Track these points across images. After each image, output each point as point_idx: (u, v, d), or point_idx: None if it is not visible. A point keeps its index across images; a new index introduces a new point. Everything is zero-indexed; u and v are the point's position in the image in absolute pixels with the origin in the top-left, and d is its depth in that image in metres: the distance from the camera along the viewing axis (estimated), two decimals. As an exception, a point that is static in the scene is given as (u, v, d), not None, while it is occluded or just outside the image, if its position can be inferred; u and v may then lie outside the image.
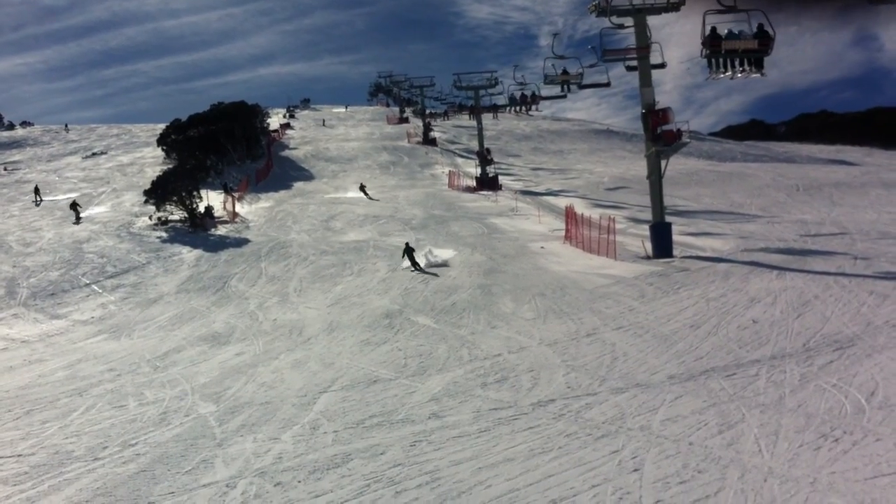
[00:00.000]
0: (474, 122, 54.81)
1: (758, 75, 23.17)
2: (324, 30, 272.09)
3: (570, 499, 8.42)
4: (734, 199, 37.28)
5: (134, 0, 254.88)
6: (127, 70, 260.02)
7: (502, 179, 47.67)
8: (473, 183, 47.06)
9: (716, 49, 22.55)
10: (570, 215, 29.20)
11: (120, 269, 28.75)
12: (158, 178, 40.14)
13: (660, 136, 23.83)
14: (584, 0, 25.45)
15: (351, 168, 56.13)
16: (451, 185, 47.85)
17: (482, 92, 51.90)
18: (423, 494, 8.94)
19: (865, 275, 17.96)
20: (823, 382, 11.21)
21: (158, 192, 36.60)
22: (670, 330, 15.27)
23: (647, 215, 26.17)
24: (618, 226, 25.88)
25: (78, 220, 36.91)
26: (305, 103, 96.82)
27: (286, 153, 61.56)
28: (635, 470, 8.94)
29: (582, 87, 35.14)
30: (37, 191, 44.13)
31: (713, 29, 22.35)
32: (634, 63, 24.56)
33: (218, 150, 52.64)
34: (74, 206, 38.36)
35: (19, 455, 11.82)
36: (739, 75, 23.10)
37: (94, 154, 61.80)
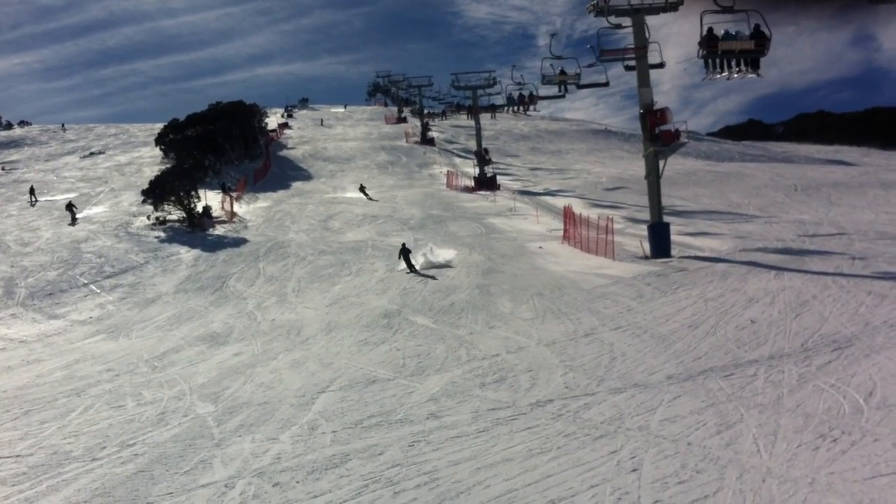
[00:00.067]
0: (472, 122, 54.83)
1: (754, 76, 23.21)
2: (322, 29, 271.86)
3: (568, 499, 8.42)
4: (732, 200, 37.31)
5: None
6: (125, 69, 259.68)
7: (500, 179, 47.68)
8: (471, 183, 47.07)
9: (712, 49, 22.59)
10: (568, 215, 29.22)
11: (118, 269, 28.73)
12: (156, 177, 40.11)
13: (658, 136, 23.85)
14: (582, 0, 25.49)
15: (349, 168, 56.13)
16: (449, 185, 47.86)
17: (480, 92, 51.97)
18: (421, 495, 8.94)
19: (863, 275, 17.98)
20: (822, 382, 11.22)
21: (156, 192, 36.59)
22: (668, 330, 15.28)
23: (646, 215, 26.19)
24: (616, 226, 25.90)
25: (74, 221, 36.83)
26: (304, 103, 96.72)
27: (284, 153, 61.53)
28: (634, 470, 8.94)
29: (580, 86, 35.20)
30: (32, 191, 44.06)
31: (710, 29, 22.38)
32: (633, 63, 24.58)
33: (216, 149, 52.60)
34: (70, 207, 38.24)
35: (17, 455, 11.80)
36: (736, 76, 23.12)
37: (91, 154, 61.67)
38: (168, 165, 48.61)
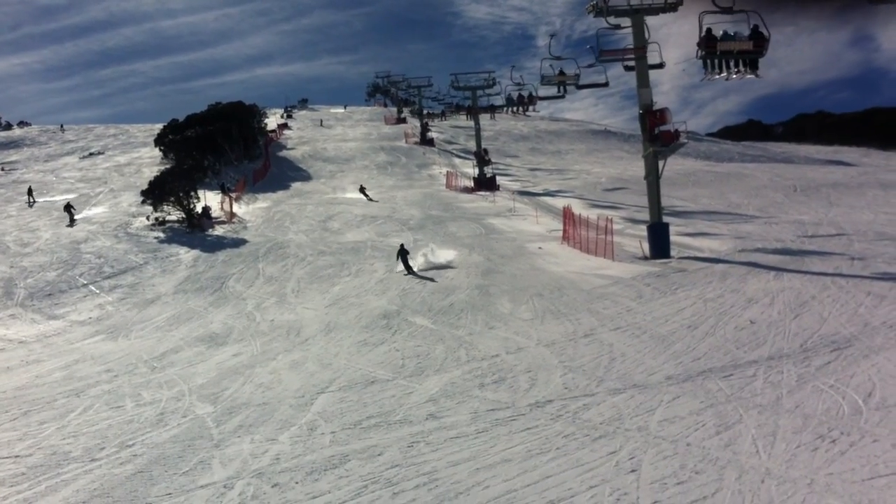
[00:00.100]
0: (472, 123, 54.84)
1: (753, 76, 23.22)
2: (322, 30, 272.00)
3: (567, 499, 8.42)
4: (731, 200, 37.31)
5: (131, 0, 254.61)
6: (124, 70, 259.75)
7: (500, 180, 47.68)
8: (471, 183, 47.07)
9: (711, 50, 22.59)
10: (567, 216, 29.22)
11: (117, 270, 28.73)
12: (156, 178, 40.10)
13: (657, 136, 23.85)
14: (581, 0, 25.49)
15: (349, 168, 56.14)
16: (448, 186, 47.85)
17: (480, 92, 52.00)
18: (420, 495, 8.94)
19: (863, 275, 17.99)
20: (821, 383, 11.22)
21: (156, 193, 36.58)
22: (668, 331, 15.28)
23: (645, 216, 26.19)
24: (615, 226, 25.89)
25: (72, 222, 36.79)
26: (303, 103, 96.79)
27: (284, 153, 61.55)
28: (633, 471, 8.94)
29: (580, 87, 35.17)
30: (30, 192, 44.04)
31: (708, 30, 22.39)
32: (633, 63, 24.57)
33: (215, 150, 52.59)
34: (69, 208, 38.17)
35: (16, 456, 11.80)
36: (734, 76, 23.13)
37: (91, 154, 61.67)
38: (167, 166, 48.61)
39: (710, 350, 13.66)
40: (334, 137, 69.67)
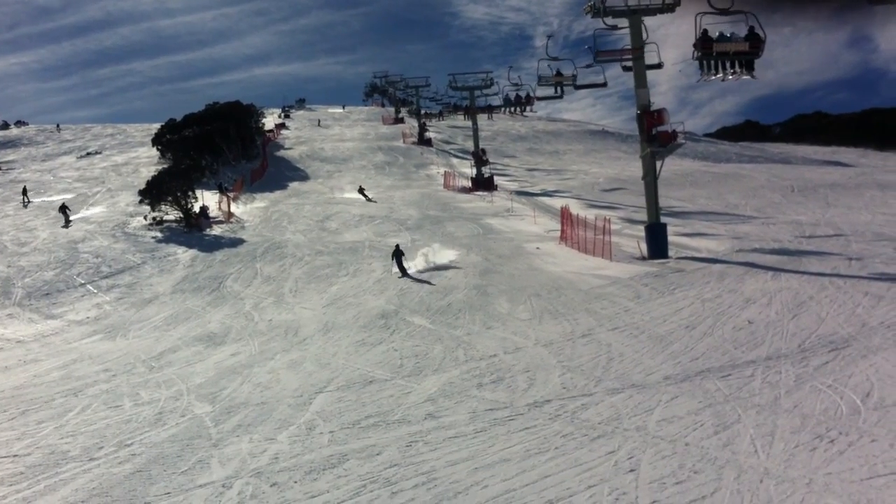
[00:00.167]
0: (469, 123, 54.84)
1: (748, 77, 23.23)
2: (320, 30, 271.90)
3: (566, 499, 8.42)
4: (729, 200, 37.35)
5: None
6: (122, 69, 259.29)
7: (498, 180, 47.71)
8: (469, 183, 47.09)
9: (707, 51, 22.59)
10: (565, 216, 29.23)
11: (115, 270, 28.70)
12: (153, 178, 40.08)
13: (655, 136, 23.87)
14: (579, 1, 25.50)
15: (346, 168, 56.13)
16: (446, 186, 47.86)
17: (477, 92, 52.00)
18: (419, 495, 8.94)
19: (860, 276, 18.03)
20: (819, 383, 11.24)
21: (153, 192, 36.56)
22: (666, 331, 15.29)
23: (643, 216, 26.22)
24: (613, 226, 25.90)
25: (68, 223, 36.66)
26: (301, 103, 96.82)
27: (281, 153, 61.52)
28: (631, 470, 8.95)
29: (578, 87, 35.12)
30: (25, 192, 43.96)
31: (705, 31, 22.40)
32: (630, 63, 24.59)
33: (213, 150, 52.56)
34: (64, 209, 38.03)
35: (15, 455, 11.79)
36: (730, 77, 23.14)
37: (88, 154, 61.61)
38: (165, 166, 48.60)
39: (708, 350, 13.68)
40: (332, 137, 69.66)
